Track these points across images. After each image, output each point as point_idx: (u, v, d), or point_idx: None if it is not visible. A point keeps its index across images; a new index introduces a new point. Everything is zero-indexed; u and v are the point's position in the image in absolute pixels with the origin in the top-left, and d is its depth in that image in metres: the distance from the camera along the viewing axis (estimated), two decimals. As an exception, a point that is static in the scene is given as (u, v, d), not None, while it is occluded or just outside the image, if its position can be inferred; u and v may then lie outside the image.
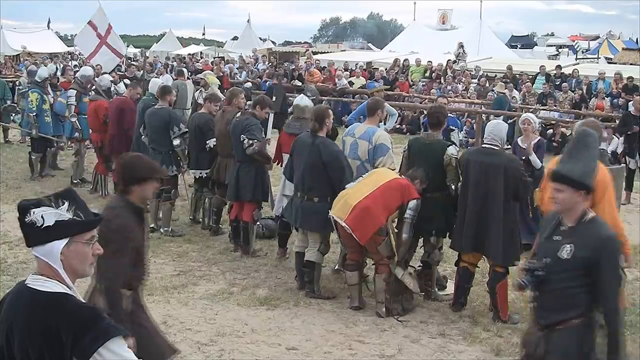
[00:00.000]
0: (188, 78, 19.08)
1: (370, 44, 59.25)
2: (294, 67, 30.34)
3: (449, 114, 11.35)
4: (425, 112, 11.59)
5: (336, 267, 9.73)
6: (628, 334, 8.09)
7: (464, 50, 31.33)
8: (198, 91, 15.04)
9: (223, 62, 34.00)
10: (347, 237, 8.15)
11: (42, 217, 3.08)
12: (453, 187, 8.56)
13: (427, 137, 8.85)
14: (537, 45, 56.04)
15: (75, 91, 14.78)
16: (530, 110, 22.37)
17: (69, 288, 3.15)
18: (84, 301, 3.17)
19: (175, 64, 34.57)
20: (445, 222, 8.54)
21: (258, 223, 10.61)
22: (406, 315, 8.31)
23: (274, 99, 13.63)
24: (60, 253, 3.12)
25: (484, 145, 8.40)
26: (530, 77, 26.30)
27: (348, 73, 28.92)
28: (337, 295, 8.97)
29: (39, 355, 3.03)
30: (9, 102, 19.81)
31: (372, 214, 7.98)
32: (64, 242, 3.12)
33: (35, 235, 3.10)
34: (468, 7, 54.57)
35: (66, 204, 3.14)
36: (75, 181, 14.47)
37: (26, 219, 3.09)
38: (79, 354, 2.97)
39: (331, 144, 8.81)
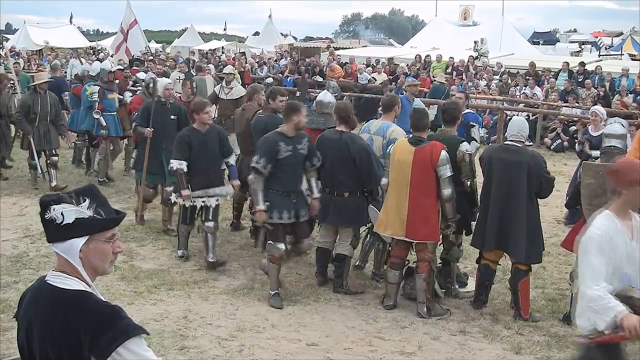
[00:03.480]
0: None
1: (391, 40, 59.06)
2: (315, 62, 30.33)
3: (470, 110, 11.30)
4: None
5: (357, 263, 9.72)
6: None
7: (481, 44, 31.32)
8: (219, 85, 14.93)
9: (244, 57, 34.04)
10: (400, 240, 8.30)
11: (62, 214, 3.04)
12: (468, 183, 8.55)
13: (442, 133, 8.83)
14: (559, 41, 55.57)
15: (98, 87, 14.37)
16: (553, 107, 22.29)
17: (88, 286, 3.13)
18: (103, 300, 3.14)
19: (196, 59, 34.70)
20: (462, 218, 8.51)
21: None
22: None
23: (297, 93, 13.60)
24: (80, 251, 3.09)
25: (506, 142, 8.36)
26: (553, 73, 26.12)
27: (370, 69, 28.90)
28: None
29: (58, 352, 3.01)
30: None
31: (427, 214, 8.10)
32: (83, 240, 3.09)
33: (55, 231, 3.07)
34: (490, 3, 54.21)
35: (87, 201, 3.10)
36: (100, 180, 14.21)
37: (46, 216, 3.06)
38: (97, 353, 2.94)
39: (358, 138, 8.83)
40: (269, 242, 8.54)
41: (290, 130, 8.42)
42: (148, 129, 11.09)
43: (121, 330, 2.98)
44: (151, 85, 12.53)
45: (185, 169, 9.49)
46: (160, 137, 11.08)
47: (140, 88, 14.64)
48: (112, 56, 23.74)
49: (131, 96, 14.88)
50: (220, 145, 9.78)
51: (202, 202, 9.70)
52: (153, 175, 11.42)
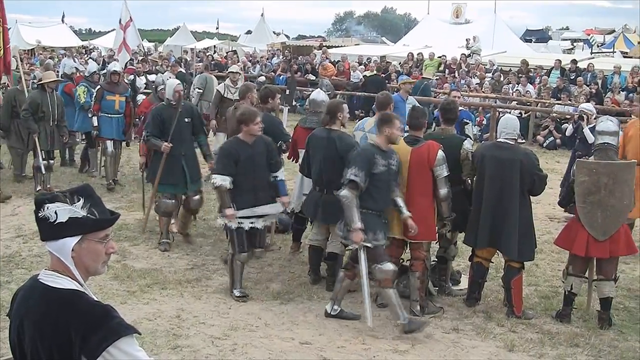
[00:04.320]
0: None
1: (384, 38, 59.07)
2: (308, 60, 30.36)
3: (463, 108, 11.32)
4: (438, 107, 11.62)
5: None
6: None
7: (473, 41, 31.42)
8: (222, 85, 14.75)
9: (236, 56, 34.04)
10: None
11: (55, 212, 3.03)
12: (469, 181, 8.55)
13: (442, 132, 8.82)
14: (551, 39, 55.57)
15: (98, 86, 14.05)
16: (546, 105, 22.35)
17: (80, 285, 3.11)
18: (95, 299, 3.13)
19: (189, 57, 34.62)
20: (461, 216, 8.49)
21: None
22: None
23: (287, 92, 13.56)
24: (72, 250, 3.07)
25: (499, 140, 8.36)
26: (545, 71, 26.17)
27: (363, 67, 28.91)
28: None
29: (48, 352, 3.01)
30: None
31: (424, 214, 8.07)
32: (76, 239, 3.07)
33: (48, 230, 3.06)
34: (482, 1, 54.33)
35: (81, 200, 3.08)
36: (108, 181, 13.98)
37: (39, 214, 3.05)
38: (87, 352, 2.93)
39: (347, 136, 8.80)
40: (375, 265, 7.68)
41: (384, 143, 7.85)
42: (165, 143, 10.17)
43: (112, 330, 2.97)
44: (161, 88, 12.08)
45: (230, 186, 8.44)
46: (177, 144, 10.25)
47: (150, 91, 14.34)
48: (111, 57, 23.59)
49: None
50: (268, 157, 8.77)
51: (251, 223, 8.58)
52: (173, 186, 10.42)
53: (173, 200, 10.48)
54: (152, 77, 17.52)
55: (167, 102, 10.53)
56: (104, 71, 15.84)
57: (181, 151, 10.32)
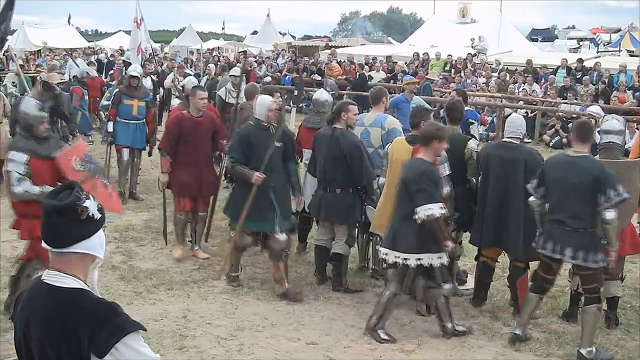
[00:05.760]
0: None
1: (390, 38, 59.06)
2: (313, 60, 30.36)
3: (469, 108, 11.31)
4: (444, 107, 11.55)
5: (362, 264, 9.71)
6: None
7: (478, 41, 31.43)
8: (223, 89, 14.51)
9: (243, 56, 34.06)
10: None
11: (95, 209, 3.10)
12: (474, 181, 8.53)
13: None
14: (557, 38, 55.59)
15: (117, 90, 13.51)
16: (552, 104, 22.33)
17: (84, 284, 3.15)
18: (100, 297, 3.17)
19: (194, 58, 34.70)
20: (466, 216, 8.48)
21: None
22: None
23: (295, 92, 13.52)
24: None
25: (504, 140, 8.35)
26: (551, 70, 26.16)
27: (368, 67, 28.89)
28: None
29: (57, 351, 3.02)
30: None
31: None
32: (102, 230, 3.18)
33: (86, 229, 3.10)
34: (488, 0, 54.20)
35: (90, 195, 3.15)
36: (133, 191, 13.49)
37: (87, 214, 3.07)
38: (96, 350, 2.96)
39: (350, 134, 8.78)
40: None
41: (589, 150, 7.39)
42: (257, 173, 8.57)
43: (119, 326, 3.01)
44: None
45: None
46: (266, 173, 8.63)
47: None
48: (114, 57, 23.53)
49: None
50: None
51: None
52: (259, 222, 8.83)
53: (251, 237, 9.11)
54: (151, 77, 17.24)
55: (255, 122, 8.92)
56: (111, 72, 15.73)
57: (270, 182, 8.68)
